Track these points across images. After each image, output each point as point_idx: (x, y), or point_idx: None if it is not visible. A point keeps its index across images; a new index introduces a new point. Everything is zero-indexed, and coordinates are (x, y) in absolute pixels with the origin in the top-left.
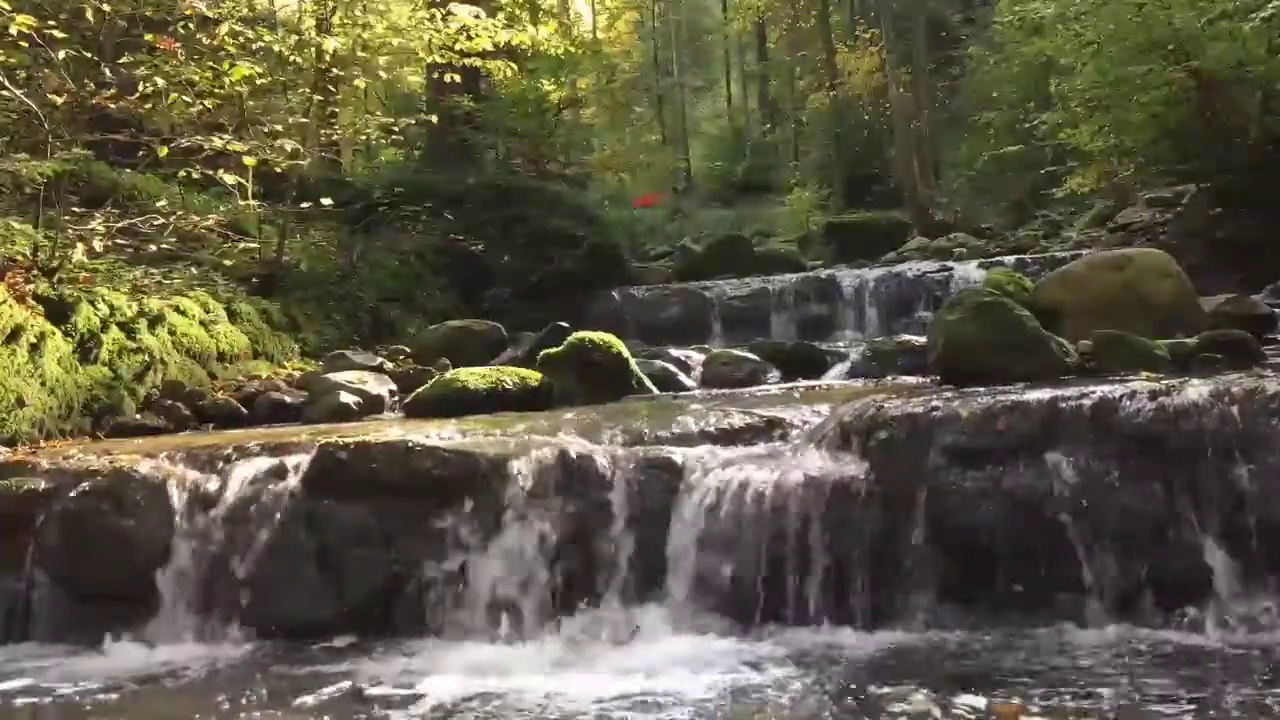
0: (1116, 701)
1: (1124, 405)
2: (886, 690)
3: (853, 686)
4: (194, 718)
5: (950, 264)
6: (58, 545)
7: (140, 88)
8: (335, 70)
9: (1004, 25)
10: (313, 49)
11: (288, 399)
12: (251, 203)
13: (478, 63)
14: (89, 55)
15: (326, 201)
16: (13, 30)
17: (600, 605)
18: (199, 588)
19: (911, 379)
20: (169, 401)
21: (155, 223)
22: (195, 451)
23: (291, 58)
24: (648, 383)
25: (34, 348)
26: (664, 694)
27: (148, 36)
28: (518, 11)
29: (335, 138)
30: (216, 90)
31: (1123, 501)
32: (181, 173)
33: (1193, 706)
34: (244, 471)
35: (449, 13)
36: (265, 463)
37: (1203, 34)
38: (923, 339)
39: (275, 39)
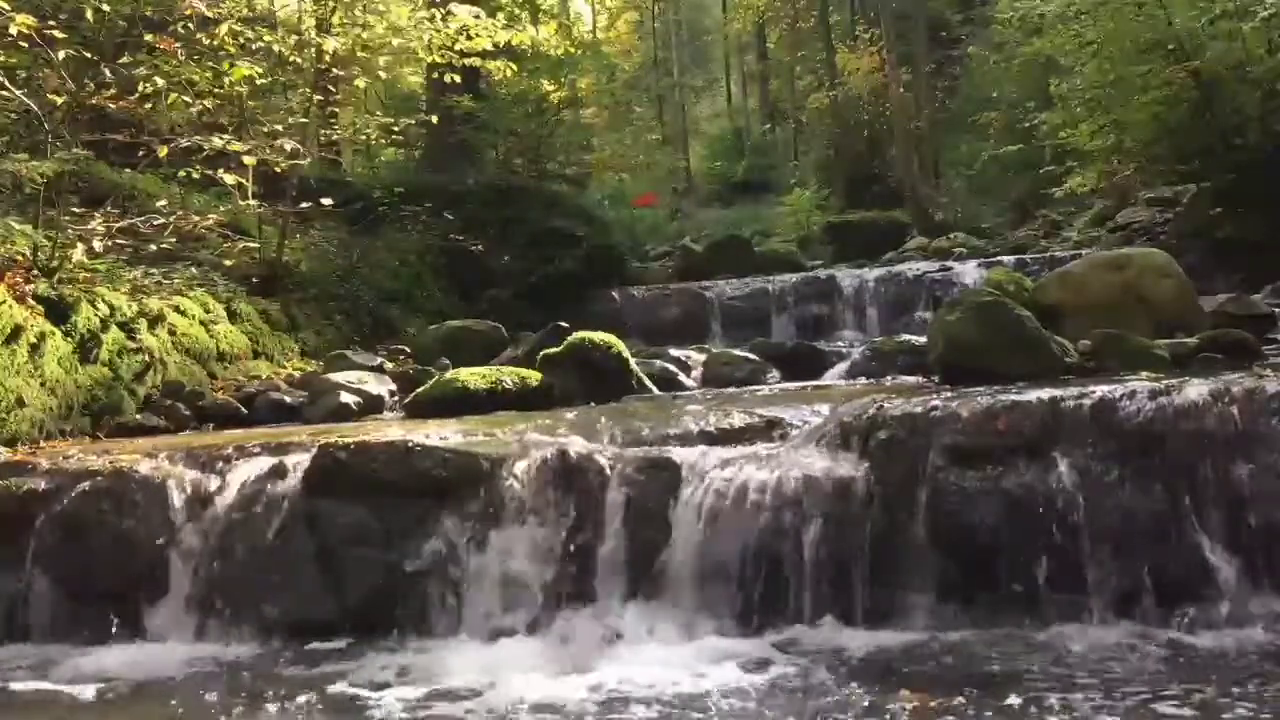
0: (1113, 702)
1: (1124, 405)
2: (886, 690)
3: (852, 686)
4: (193, 718)
5: (950, 264)
6: (58, 545)
7: (140, 88)
8: (335, 70)
9: (1004, 25)
10: (313, 49)
11: (288, 399)
12: (251, 203)
13: (478, 63)
14: (89, 55)
15: (326, 201)
16: (13, 30)
17: (600, 605)
18: (198, 588)
19: (911, 379)
20: (169, 401)
21: (155, 223)
22: (195, 451)
23: (291, 58)
24: (648, 383)
25: (34, 348)
26: (663, 693)
27: (148, 36)
28: (518, 11)
29: (335, 138)
30: (216, 90)
31: (1123, 501)
32: (181, 173)
33: (1189, 706)
34: (244, 471)
35: (449, 13)
36: (265, 463)
37: (1203, 34)
38: (923, 339)
39: (275, 39)
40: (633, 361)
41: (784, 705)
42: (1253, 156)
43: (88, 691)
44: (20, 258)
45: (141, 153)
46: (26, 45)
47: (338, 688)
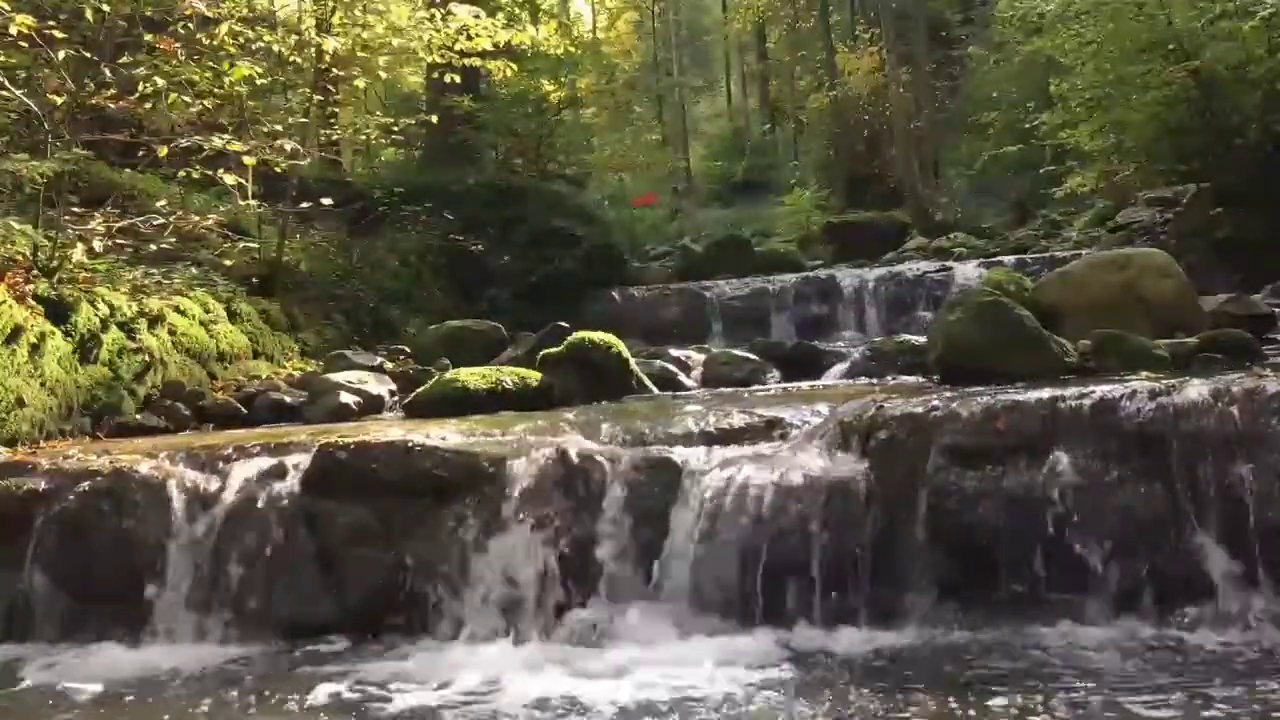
0: (1112, 701)
1: (1124, 405)
2: (886, 690)
3: (852, 686)
4: (193, 718)
5: (950, 264)
6: (58, 545)
7: (140, 88)
8: (335, 70)
9: (1004, 24)
10: (313, 49)
11: (288, 399)
12: (251, 203)
13: (478, 63)
14: (89, 55)
15: (326, 201)
16: (13, 30)
17: (600, 605)
18: (198, 588)
19: (911, 379)
20: (169, 401)
21: (155, 223)
22: (195, 451)
23: (291, 58)
24: (648, 383)
25: (34, 348)
26: (663, 694)
27: (148, 36)
28: (518, 11)
29: (335, 138)
30: (216, 90)
31: (1123, 501)
32: (181, 173)
33: (1188, 706)
34: (244, 471)
35: (449, 13)
36: (265, 463)
37: (1203, 34)
38: (923, 339)
39: (275, 39)
40: (633, 361)
41: (784, 705)
42: (1253, 156)
43: (88, 692)
44: (20, 258)
45: (141, 153)
46: (26, 45)
47: (338, 688)
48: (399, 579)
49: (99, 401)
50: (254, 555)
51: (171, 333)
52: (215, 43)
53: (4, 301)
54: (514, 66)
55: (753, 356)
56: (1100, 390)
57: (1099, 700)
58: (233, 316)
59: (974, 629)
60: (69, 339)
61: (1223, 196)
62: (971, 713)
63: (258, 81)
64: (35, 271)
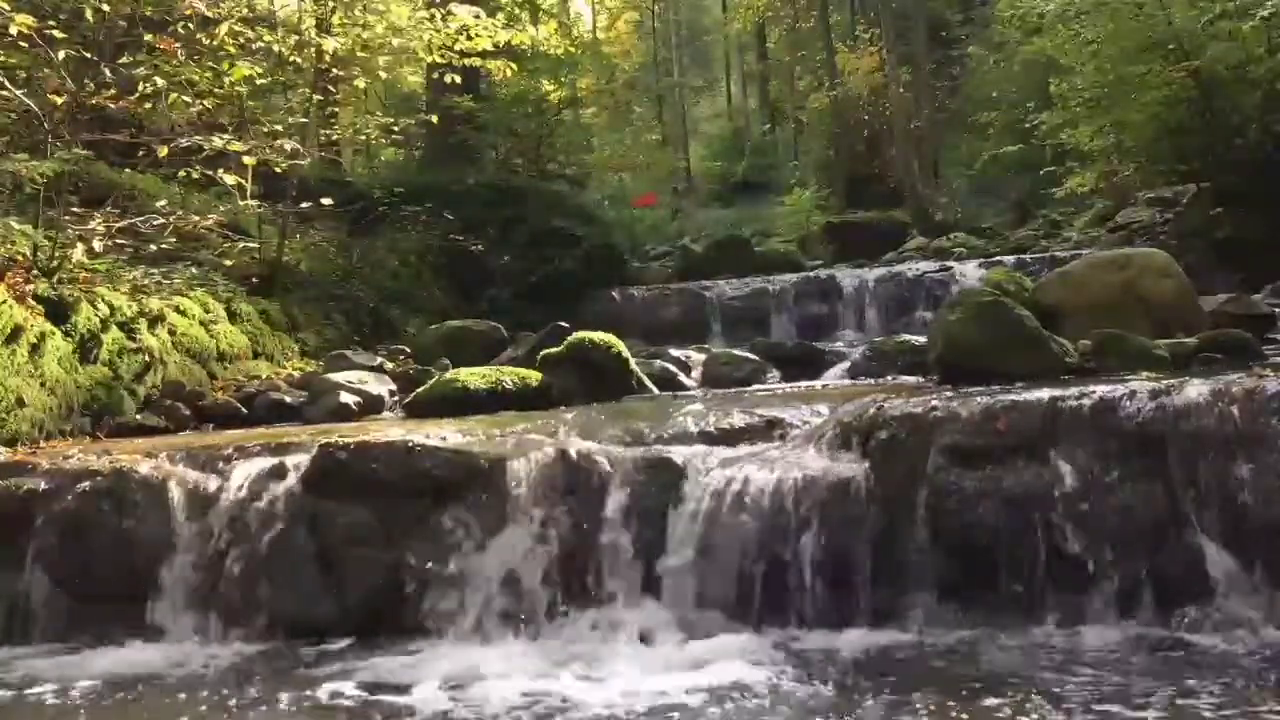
0: (1111, 702)
1: (1124, 405)
2: (886, 690)
3: (852, 686)
4: (193, 718)
5: (950, 264)
6: (58, 545)
7: (140, 88)
8: (335, 70)
9: (1004, 24)
10: (313, 49)
11: (288, 399)
12: (251, 203)
13: (478, 63)
14: (89, 55)
15: (326, 201)
16: (13, 30)
17: (600, 606)
18: (198, 588)
19: (911, 379)
20: (169, 401)
21: (155, 223)
22: (195, 451)
23: (291, 58)
24: (648, 383)
25: (34, 348)
26: (663, 694)
27: (148, 36)
28: (518, 11)
29: (335, 138)
30: (216, 90)
31: (1123, 501)
32: (181, 173)
33: (1187, 706)
34: (244, 471)
35: (449, 13)
36: (265, 463)
37: (1202, 34)
38: (923, 339)
39: (275, 39)
40: (633, 361)
41: (784, 705)
42: (1253, 156)
43: (88, 692)
44: (20, 258)
45: (141, 153)
46: (26, 45)
47: (338, 687)
48: (399, 579)
49: (99, 401)
50: (254, 555)
51: (171, 333)
52: (215, 43)
53: (4, 301)
54: (514, 66)
55: (753, 356)
56: (1100, 390)
57: (1098, 701)
58: (233, 316)
59: (974, 629)
60: (69, 339)
61: (1223, 196)
62: (970, 713)
63: (258, 81)
64: (35, 271)
